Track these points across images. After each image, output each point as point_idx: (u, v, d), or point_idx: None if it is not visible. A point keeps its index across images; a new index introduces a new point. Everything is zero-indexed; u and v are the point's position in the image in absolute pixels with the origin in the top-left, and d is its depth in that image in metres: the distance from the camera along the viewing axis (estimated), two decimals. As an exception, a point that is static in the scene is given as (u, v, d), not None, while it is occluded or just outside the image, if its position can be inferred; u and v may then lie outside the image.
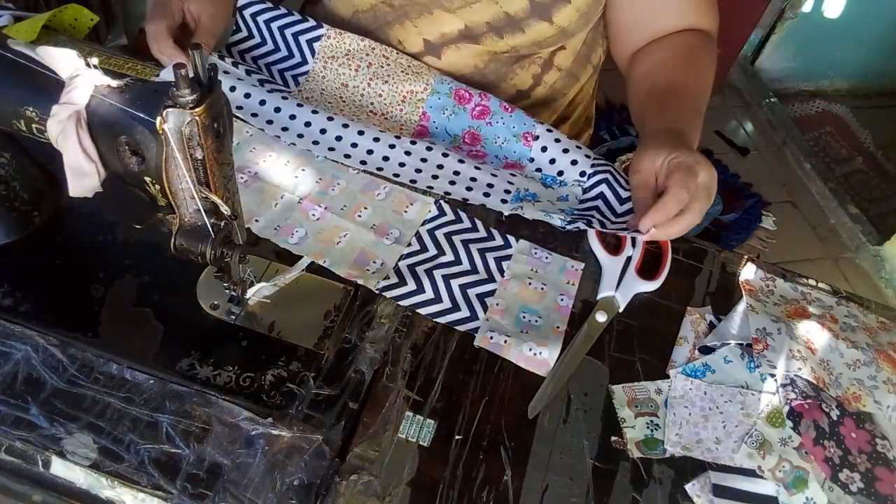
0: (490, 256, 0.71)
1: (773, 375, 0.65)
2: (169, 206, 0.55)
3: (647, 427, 0.61)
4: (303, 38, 0.87)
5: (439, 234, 0.72)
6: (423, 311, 0.66)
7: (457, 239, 0.72)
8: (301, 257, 0.67)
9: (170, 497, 0.53)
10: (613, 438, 0.61)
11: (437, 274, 0.68)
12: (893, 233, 1.87)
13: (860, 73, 2.38)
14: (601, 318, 0.68)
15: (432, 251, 0.71)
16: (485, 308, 0.67)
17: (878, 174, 2.18)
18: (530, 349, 0.64)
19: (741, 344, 0.67)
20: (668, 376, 0.65)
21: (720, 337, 0.68)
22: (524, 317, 0.67)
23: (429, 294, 0.67)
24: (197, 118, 0.48)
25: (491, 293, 0.68)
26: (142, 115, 0.50)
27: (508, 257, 0.72)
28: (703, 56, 0.85)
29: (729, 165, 1.93)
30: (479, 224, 0.74)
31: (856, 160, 2.22)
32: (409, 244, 0.71)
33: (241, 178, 0.73)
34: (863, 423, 0.64)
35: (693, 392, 0.64)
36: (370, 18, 0.89)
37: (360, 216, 0.73)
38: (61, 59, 0.52)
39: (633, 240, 0.74)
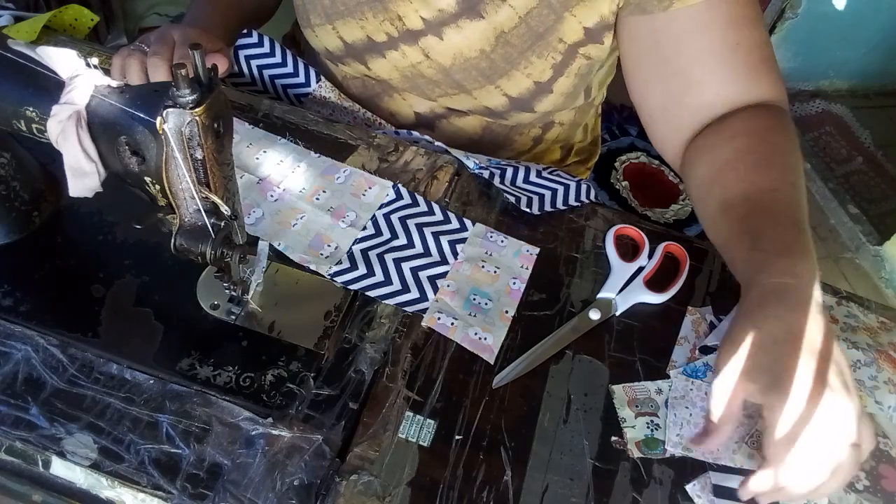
0: (444, 239, 0.71)
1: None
2: (169, 206, 0.55)
3: (648, 427, 0.61)
4: (291, 92, 0.88)
5: (394, 217, 0.73)
6: (372, 293, 0.66)
7: (411, 222, 0.72)
8: (259, 239, 0.67)
9: (170, 497, 0.53)
10: (613, 438, 0.61)
11: (389, 258, 0.69)
12: (893, 233, 1.87)
13: (860, 73, 2.38)
14: (594, 315, 0.68)
15: (386, 235, 0.71)
16: (435, 289, 0.67)
17: (878, 174, 2.18)
18: (475, 333, 0.65)
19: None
20: (668, 376, 0.65)
21: (720, 337, 0.68)
22: (474, 299, 0.67)
23: (378, 277, 0.67)
24: (197, 118, 0.48)
25: (443, 275, 0.69)
26: (142, 115, 0.50)
27: (464, 240, 0.72)
28: (782, 140, 0.63)
29: (729, 165, 1.93)
30: (436, 207, 0.74)
31: (856, 160, 2.22)
32: (365, 227, 0.72)
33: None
34: (863, 423, 0.64)
35: (694, 392, 0.64)
36: (359, 86, 0.88)
37: (317, 199, 0.73)
38: (61, 59, 0.52)
39: (651, 252, 0.73)
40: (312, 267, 0.67)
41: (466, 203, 0.76)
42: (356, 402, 0.59)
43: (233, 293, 0.63)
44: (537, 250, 0.73)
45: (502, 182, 0.78)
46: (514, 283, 0.69)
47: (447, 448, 0.58)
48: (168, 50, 0.70)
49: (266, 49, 0.86)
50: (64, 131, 0.51)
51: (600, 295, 0.70)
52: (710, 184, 0.64)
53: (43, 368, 0.58)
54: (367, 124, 0.87)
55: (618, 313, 0.69)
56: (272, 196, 0.73)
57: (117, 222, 0.68)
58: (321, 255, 0.68)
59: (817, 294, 0.51)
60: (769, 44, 0.67)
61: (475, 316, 0.66)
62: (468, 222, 0.74)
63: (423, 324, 0.65)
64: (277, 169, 0.75)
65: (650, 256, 0.73)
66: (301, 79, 0.87)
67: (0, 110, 0.54)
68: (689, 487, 0.58)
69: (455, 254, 0.71)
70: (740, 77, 0.65)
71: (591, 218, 0.77)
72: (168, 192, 0.53)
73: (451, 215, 0.74)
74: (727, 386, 0.50)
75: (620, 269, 0.72)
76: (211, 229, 0.55)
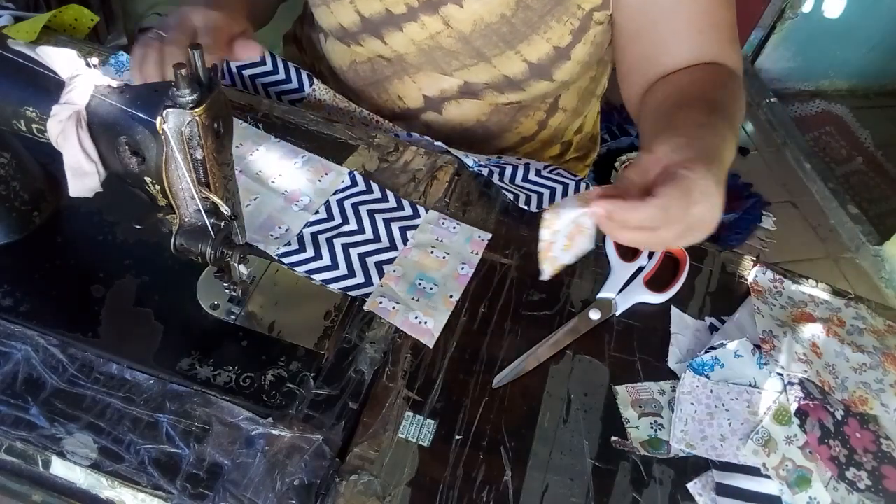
0: (395, 225, 0.72)
1: (780, 374, 0.65)
2: (169, 206, 0.55)
3: (651, 427, 0.61)
4: (286, 98, 0.88)
5: (347, 203, 0.73)
6: (317, 277, 0.67)
7: (363, 208, 0.73)
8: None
9: (170, 497, 0.53)
10: (613, 438, 0.61)
11: (338, 242, 0.69)
12: (893, 233, 1.87)
13: (860, 73, 2.38)
14: (594, 315, 0.68)
15: (338, 220, 0.72)
16: (381, 274, 0.68)
17: (878, 174, 2.18)
18: (416, 317, 0.65)
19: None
20: (670, 376, 0.65)
21: (725, 337, 0.68)
22: (419, 283, 0.68)
23: (325, 261, 0.68)
24: (197, 118, 0.48)
25: (391, 261, 0.69)
26: (142, 115, 0.50)
27: (415, 227, 0.72)
28: (729, 81, 0.71)
29: (729, 165, 1.94)
30: (390, 194, 0.75)
31: (856, 160, 2.22)
32: (317, 212, 0.72)
33: None
34: (867, 423, 0.64)
35: (700, 389, 0.64)
36: (368, 71, 0.87)
37: (273, 182, 0.74)
38: (61, 59, 0.52)
39: (651, 251, 0.73)
40: (261, 247, 0.68)
41: (466, 203, 0.76)
42: (356, 402, 0.59)
43: (233, 293, 0.63)
44: (489, 236, 0.73)
45: (501, 180, 0.78)
46: (463, 269, 0.70)
47: (447, 448, 0.58)
48: (187, 38, 0.67)
49: (269, 66, 0.86)
50: (64, 131, 0.51)
51: (600, 295, 0.70)
52: (658, 103, 0.71)
53: (43, 368, 0.58)
54: (365, 123, 0.87)
55: (618, 313, 0.69)
56: None
57: (117, 222, 0.68)
58: (271, 235, 0.69)
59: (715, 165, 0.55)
60: (734, 25, 0.77)
61: (418, 300, 0.66)
62: (422, 209, 0.74)
63: (366, 307, 0.65)
64: (235, 151, 0.74)
65: (650, 256, 0.73)
66: (294, 84, 0.87)
67: (0, 110, 0.54)
68: (690, 486, 0.58)
69: (405, 240, 0.71)
70: (706, 51, 0.74)
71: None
72: (168, 192, 0.53)
73: (405, 202, 0.74)
74: (656, 157, 0.54)
75: (620, 269, 0.72)
76: (211, 229, 0.55)
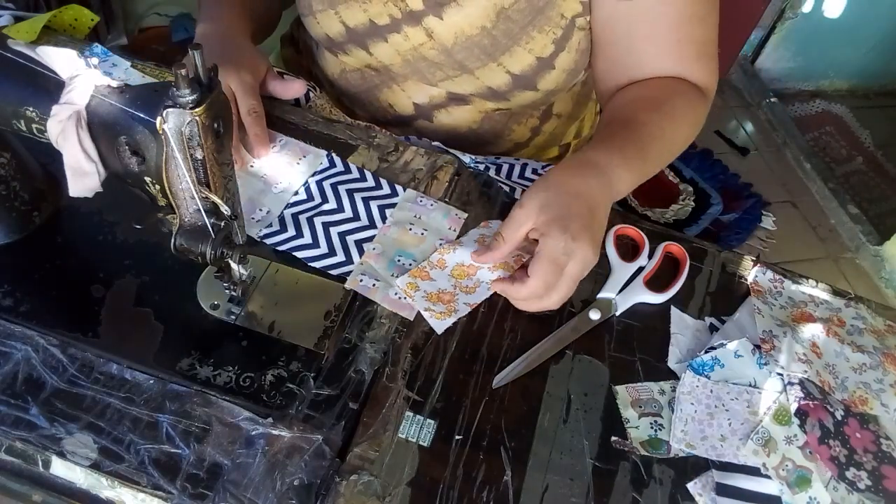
0: (374, 204, 0.73)
1: (780, 374, 0.65)
2: (169, 206, 0.55)
3: (651, 427, 0.61)
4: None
5: (326, 184, 0.74)
6: (300, 254, 0.68)
7: (342, 188, 0.74)
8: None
9: (170, 497, 0.53)
10: (613, 438, 0.61)
11: (318, 221, 0.71)
12: (893, 233, 1.87)
13: (860, 73, 2.38)
14: (594, 315, 0.68)
15: (317, 200, 0.73)
16: (361, 253, 0.69)
17: (878, 174, 2.19)
18: (395, 294, 0.66)
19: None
20: (670, 376, 0.65)
21: (725, 337, 0.68)
22: (399, 260, 0.69)
23: (306, 239, 0.69)
24: (197, 118, 0.48)
25: (370, 239, 0.70)
26: (142, 115, 0.50)
27: (393, 205, 0.73)
28: (683, 104, 0.74)
29: (729, 165, 1.94)
30: (368, 174, 0.76)
31: (856, 160, 2.22)
32: (297, 193, 0.73)
33: (250, 165, 0.75)
34: (867, 423, 0.64)
35: (700, 389, 0.64)
36: (358, 79, 0.87)
37: (252, 166, 0.75)
38: (61, 59, 0.52)
39: (651, 252, 0.73)
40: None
41: (466, 203, 0.76)
42: (356, 402, 0.59)
43: (233, 293, 0.63)
44: (465, 215, 0.74)
45: (498, 175, 0.78)
46: (441, 244, 0.70)
47: (447, 448, 0.58)
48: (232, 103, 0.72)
49: None
50: (64, 131, 0.51)
51: (600, 295, 0.70)
52: (609, 112, 0.77)
53: (43, 368, 0.58)
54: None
55: (618, 313, 0.69)
56: None
57: (117, 222, 0.68)
58: (252, 218, 0.70)
59: (607, 190, 0.65)
60: (712, 41, 0.77)
61: (395, 276, 0.67)
62: (399, 188, 0.75)
63: (346, 286, 0.66)
64: None
65: (650, 256, 0.73)
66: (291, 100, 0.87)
67: (0, 110, 0.54)
68: (690, 486, 0.58)
69: (384, 218, 0.72)
70: (676, 64, 0.76)
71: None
72: (168, 192, 0.53)
73: (383, 181, 0.75)
74: (526, 213, 0.62)
75: (620, 269, 0.72)
76: (211, 229, 0.55)
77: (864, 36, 2.25)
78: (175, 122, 0.48)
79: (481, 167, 0.78)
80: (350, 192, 0.73)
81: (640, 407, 0.63)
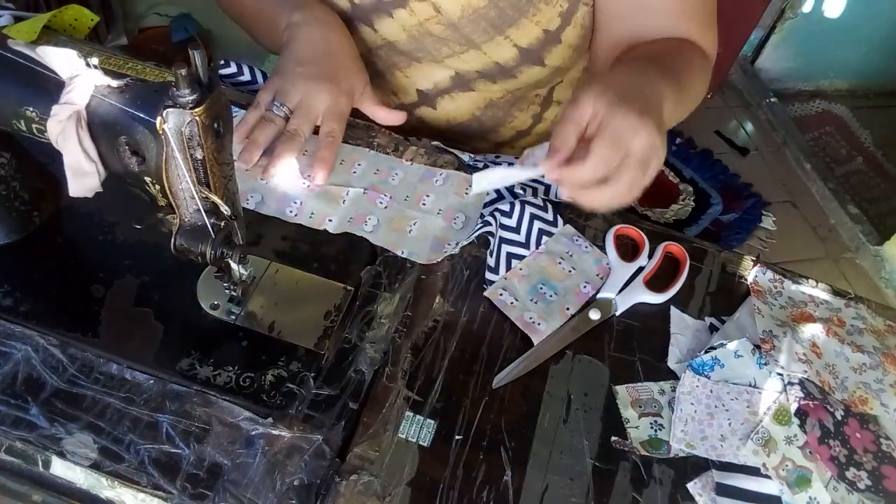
0: (536, 225, 0.73)
1: (780, 374, 0.65)
2: (169, 206, 0.55)
3: (651, 427, 0.61)
4: None
5: (498, 213, 0.73)
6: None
7: (517, 201, 0.73)
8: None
9: (170, 497, 0.53)
10: (613, 438, 0.61)
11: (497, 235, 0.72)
12: (893, 233, 1.87)
13: (860, 73, 2.38)
14: (594, 315, 0.68)
15: (494, 227, 0.72)
16: (508, 267, 0.70)
17: (878, 174, 2.19)
18: (531, 317, 0.67)
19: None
20: (670, 376, 0.65)
21: (725, 337, 0.68)
22: (541, 288, 0.69)
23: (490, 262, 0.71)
24: (197, 118, 0.48)
25: (520, 257, 0.71)
26: (142, 115, 0.50)
27: (551, 234, 0.73)
28: (699, 59, 0.74)
29: (729, 165, 1.94)
30: (540, 200, 0.75)
31: (856, 160, 2.22)
32: (477, 224, 0.73)
33: (304, 183, 0.74)
34: (867, 423, 0.64)
35: (700, 389, 0.64)
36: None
37: (424, 204, 0.75)
38: (61, 59, 0.52)
39: (651, 252, 0.74)
40: (449, 250, 0.70)
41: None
42: (356, 402, 0.59)
43: (233, 293, 0.63)
44: (610, 267, 0.72)
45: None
46: (585, 287, 0.70)
47: (447, 448, 0.58)
48: (310, 125, 0.71)
49: (247, 77, 0.87)
50: (64, 131, 0.51)
51: (600, 295, 0.70)
52: (618, 62, 0.74)
53: (43, 368, 0.58)
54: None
55: (618, 313, 0.69)
56: (381, 203, 0.74)
57: (117, 222, 0.68)
58: (444, 251, 0.71)
59: (651, 108, 0.59)
60: (714, 12, 0.78)
61: (536, 303, 0.68)
62: (560, 220, 0.75)
63: (486, 294, 0.68)
64: (375, 178, 0.76)
65: (650, 256, 0.73)
66: None
67: (0, 110, 0.54)
68: (690, 486, 0.58)
69: (538, 242, 0.72)
70: (684, 13, 0.75)
71: (591, 218, 0.77)
72: (168, 192, 0.53)
73: (549, 205, 0.74)
74: (585, 95, 0.57)
75: (620, 269, 0.72)
76: (211, 229, 0.55)
77: (864, 36, 2.25)
78: (175, 122, 0.48)
79: (480, 165, 0.78)
80: (523, 202, 0.73)
81: (640, 407, 0.63)
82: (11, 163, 0.63)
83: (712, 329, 0.69)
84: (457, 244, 0.71)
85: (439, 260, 0.70)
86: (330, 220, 0.72)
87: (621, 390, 0.64)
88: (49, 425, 0.55)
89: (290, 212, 0.72)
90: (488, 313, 0.67)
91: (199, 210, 0.54)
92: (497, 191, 0.76)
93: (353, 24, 0.82)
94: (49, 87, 0.52)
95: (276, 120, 0.71)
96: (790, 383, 0.65)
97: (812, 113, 2.36)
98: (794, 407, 0.63)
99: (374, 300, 0.66)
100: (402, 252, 0.70)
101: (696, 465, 0.60)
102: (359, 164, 0.77)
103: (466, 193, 0.75)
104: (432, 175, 0.77)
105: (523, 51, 0.78)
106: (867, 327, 0.71)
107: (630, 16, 0.76)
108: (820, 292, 0.74)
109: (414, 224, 0.73)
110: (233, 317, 0.63)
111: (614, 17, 0.77)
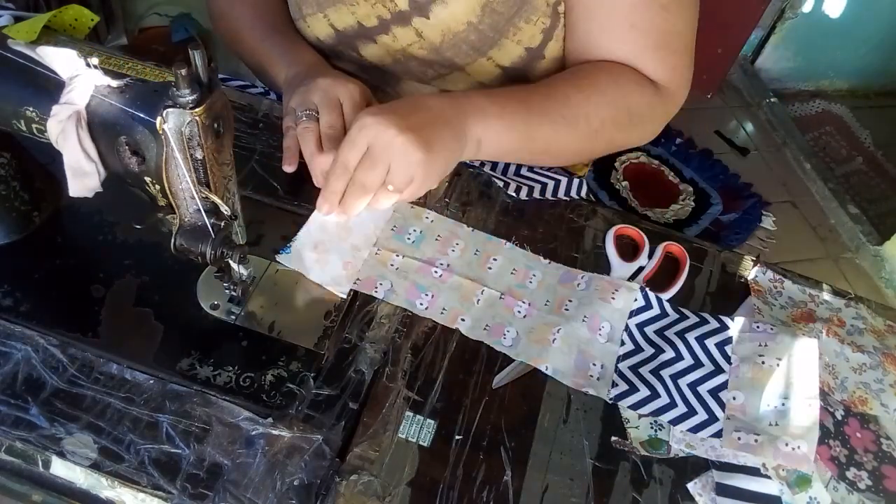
0: (710, 343, 0.66)
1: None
2: (169, 206, 0.55)
3: (651, 427, 0.61)
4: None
5: (649, 330, 0.67)
6: (661, 417, 0.61)
7: (670, 332, 0.67)
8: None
9: (170, 497, 0.53)
10: (613, 438, 0.61)
11: (665, 374, 0.64)
12: (893, 233, 1.87)
13: (860, 73, 2.38)
14: None
15: (649, 350, 0.66)
16: (722, 406, 0.62)
17: (878, 174, 2.19)
18: (786, 444, 0.59)
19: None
20: (668, 376, 0.65)
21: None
22: (768, 404, 0.62)
23: (664, 399, 0.62)
24: (197, 118, 0.48)
25: (723, 386, 0.63)
26: (142, 115, 0.50)
27: (730, 340, 0.66)
28: (607, 81, 0.72)
29: (729, 165, 1.94)
30: (687, 311, 0.69)
31: (856, 160, 2.22)
32: (623, 343, 0.66)
33: (436, 272, 0.68)
34: (867, 423, 0.64)
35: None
36: None
37: (566, 309, 0.67)
38: (61, 59, 0.52)
39: (651, 252, 0.73)
40: (591, 392, 0.62)
41: (466, 203, 0.76)
42: (356, 402, 0.59)
43: (233, 293, 0.63)
44: (814, 342, 0.66)
45: (493, 171, 0.78)
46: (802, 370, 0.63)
47: (447, 448, 0.58)
48: (339, 119, 0.69)
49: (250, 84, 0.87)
50: (64, 131, 0.51)
51: (600, 295, 0.70)
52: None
53: (43, 368, 0.58)
54: None
55: (618, 313, 0.69)
56: (519, 312, 0.67)
57: (117, 222, 0.68)
58: (591, 376, 0.63)
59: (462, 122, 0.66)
60: (679, 34, 0.74)
61: (777, 424, 0.60)
62: (727, 319, 0.67)
63: (721, 444, 0.60)
64: (513, 279, 0.69)
65: (650, 256, 0.73)
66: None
67: (0, 110, 0.54)
68: (690, 486, 0.58)
69: (727, 357, 0.65)
70: (625, 50, 0.74)
71: (591, 218, 0.77)
72: (168, 192, 0.53)
73: (707, 315, 0.68)
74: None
75: (620, 270, 0.72)
76: (211, 229, 0.55)
77: (864, 36, 2.25)
78: (175, 122, 0.48)
79: (477, 162, 0.78)
80: (681, 335, 0.66)
81: (640, 407, 0.63)
82: (11, 163, 0.63)
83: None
84: (602, 366, 0.64)
85: (585, 388, 0.63)
86: (463, 320, 0.65)
87: (621, 390, 0.63)
88: (49, 425, 0.55)
89: (421, 304, 0.66)
90: (488, 313, 0.67)
91: (199, 210, 0.54)
92: (644, 295, 0.68)
93: (338, 49, 0.82)
94: (49, 87, 0.52)
95: (311, 125, 0.68)
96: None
97: (812, 113, 2.36)
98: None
99: (374, 300, 0.66)
100: (546, 368, 0.63)
101: (696, 465, 0.60)
102: (494, 259, 0.71)
103: (613, 299, 0.67)
104: (573, 277, 0.70)
105: (507, 70, 0.79)
106: (867, 327, 0.71)
107: (582, 43, 0.76)
108: (820, 292, 0.74)
109: (558, 331, 0.65)
110: (233, 317, 0.63)
111: (568, 29, 0.77)
